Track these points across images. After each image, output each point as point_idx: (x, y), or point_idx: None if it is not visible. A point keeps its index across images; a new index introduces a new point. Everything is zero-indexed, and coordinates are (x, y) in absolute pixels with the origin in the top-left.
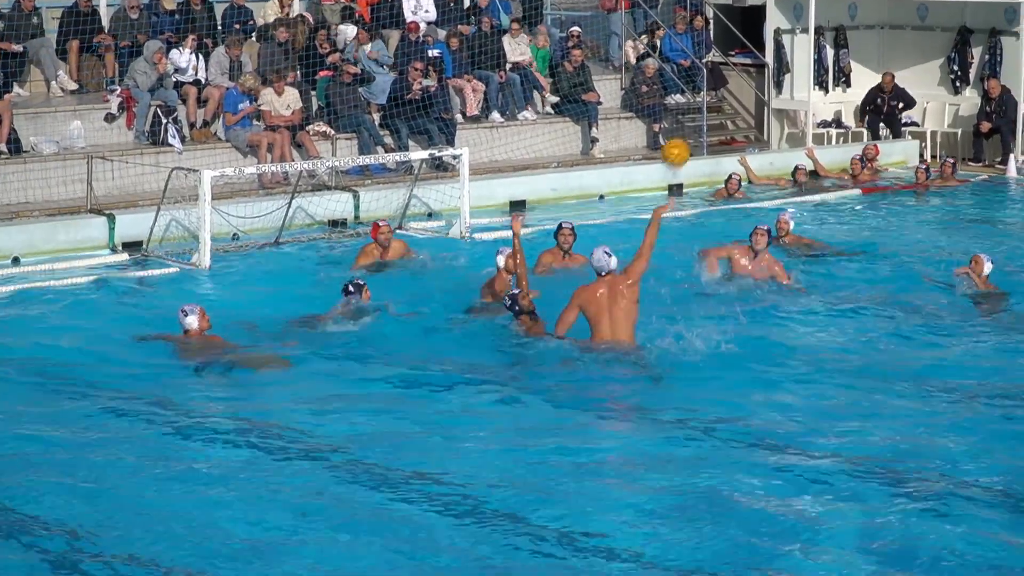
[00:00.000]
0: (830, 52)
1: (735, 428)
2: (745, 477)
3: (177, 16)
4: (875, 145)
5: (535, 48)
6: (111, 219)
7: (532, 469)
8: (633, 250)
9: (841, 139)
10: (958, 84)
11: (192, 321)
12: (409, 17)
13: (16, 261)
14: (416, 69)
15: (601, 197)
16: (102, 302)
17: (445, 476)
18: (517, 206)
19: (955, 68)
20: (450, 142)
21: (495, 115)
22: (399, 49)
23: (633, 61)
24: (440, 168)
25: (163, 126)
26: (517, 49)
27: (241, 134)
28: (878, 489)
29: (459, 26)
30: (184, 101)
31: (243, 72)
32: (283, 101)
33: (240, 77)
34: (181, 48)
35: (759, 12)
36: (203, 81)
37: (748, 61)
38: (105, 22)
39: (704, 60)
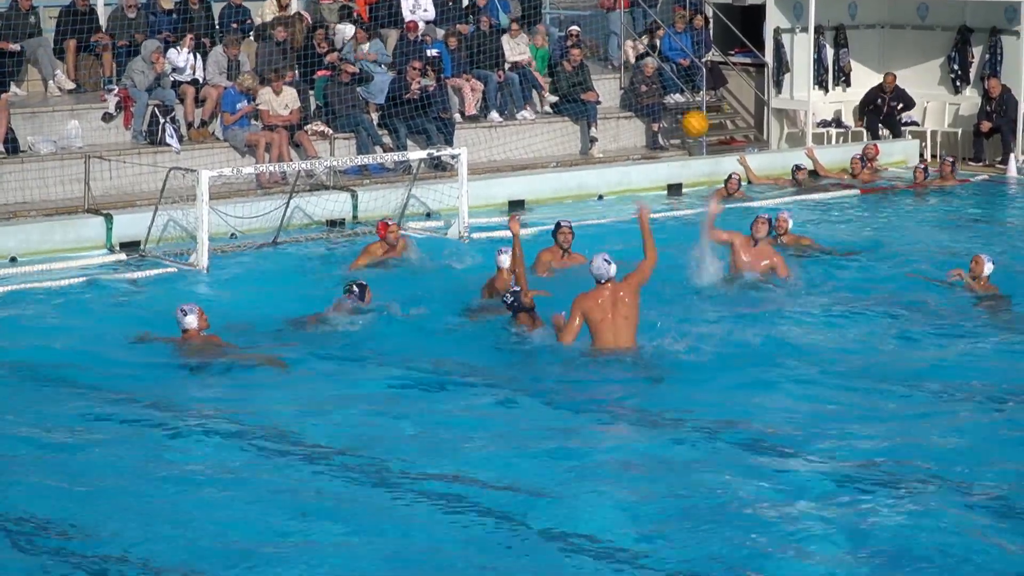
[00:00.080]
0: (830, 51)
1: (734, 429)
2: (744, 479)
3: (175, 15)
4: (875, 145)
5: (534, 48)
6: (108, 219)
7: (532, 470)
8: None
9: (841, 139)
10: (958, 83)
11: (192, 321)
12: (407, 16)
13: (13, 261)
14: (415, 68)
15: (600, 197)
16: (100, 302)
17: (445, 476)
18: (516, 206)
19: (955, 67)
20: (448, 142)
21: (494, 115)
22: (397, 48)
23: (632, 60)
24: (439, 168)
25: (161, 126)
26: (516, 49)
27: (239, 134)
28: (875, 491)
29: (458, 25)
30: (182, 101)
31: (241, 71)
32: (281, 101)
33: (238, 77)
34: (179, 47)
35: (759, 11)
36: (201, 80)
37: (748, 60)
38: (103, 21)
39: (703, 59)
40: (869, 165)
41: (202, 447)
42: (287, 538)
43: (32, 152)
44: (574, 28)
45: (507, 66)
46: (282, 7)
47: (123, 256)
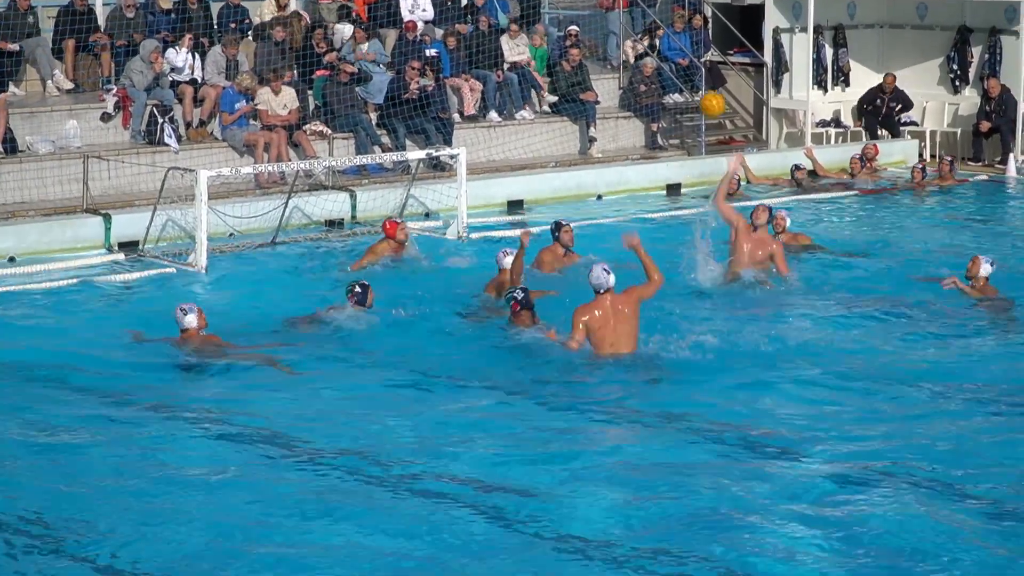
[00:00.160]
0: (829, 51)
1: (733, 430)
2: (742, 480)
3: (173, 15)
4: (875, 145)
5: (532, 48)
6: (107, 219)
7: (531, 470)
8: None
9: (840, 139)
10: (957, 83)
11: (192, 320)
12: (406, 16)
13: (12, 261)
14: (413, 68)
15: (599, 197)
16: (98, 302)
17: (444, 477)
18: (515, 206)
19: (955, 67)
20: (447, 142)
21: (492, 114)
22: (396, 48)
23: (631, 60)
24: (437, 168)
25: (159, 125)
26: (515, 49)
27: (238, 134)
28: (874, 492)
29: (456, 25)
30: (180, 100)
31: (240, 71)
32: (280, 100)
33: (237, 76)
34: (177, 47)
35: (758, 11)
36: (199, 80)
37: (747, 60)
38: (101, 21)
39: (702, 59)
40: (868, 165)
41: (201, 447)
42: (286, 539)
43: (30, 152)
44: (573, 28)
45: (506, 66)
46: (281, 7)
47: (121, 256)
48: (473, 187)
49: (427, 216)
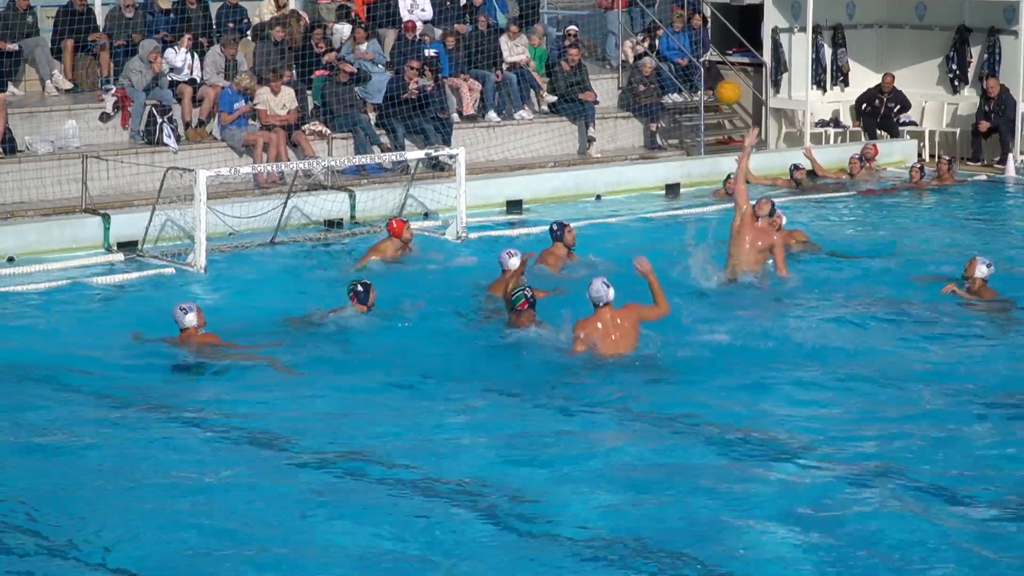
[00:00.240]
0: (828, 51)
1: (731, 430)
2: (741, 481)
3: (172, 15)
4: (874, 145)
5: (532, 48)
6: (106, 219)
7: (530, 470)
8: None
9: (839, 138)
10: (957, 83)
11: (192, 319)
12: (405, 16)
13: (11, 261)
14: (412, 68)
15: (598, 197)
16: (97, 302)
17: (443, 478)
18: (514, 206)
19: (954, 67)
20: (446, 142)
21: (491, 114)
22: (395, 48)
23: (630, 60)
24: (436, 168)
25: (158, 125)
26: (515, 50)
27: (237, 133)
28: (871, 493)
29: (455, 25)
30: (179, 100)
31: (239, 71)
32: (279, 100)
33: (235, 76)
34: (176, 47)
35: (757, 11)
36: (198, 80)
37: (746, 60)
38: (100, 21)
39: (701, 59)
40: (868, 165)
41: (199, 447)
42: (284, 539)
43: (30, 152)
44: (572, 28)
45: (505, 66)
46: (279, 6)
47: (120, 256)
48: (472, 187)
49: (426, 216)
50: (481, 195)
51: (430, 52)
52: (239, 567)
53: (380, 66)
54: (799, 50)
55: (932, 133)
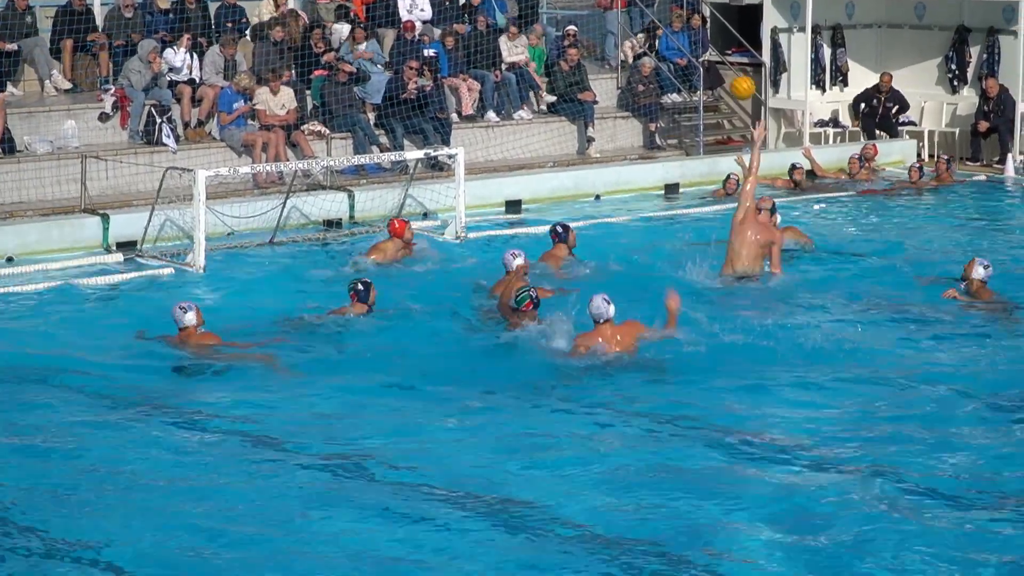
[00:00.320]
0: (827, 51)
1: (729, 431)
2: (738, 484)
3: (171, 15)
4: (874, 145)
5: (530, 48)
6: (105, 219)
7: (529, 471)
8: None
9: (838, 139)
10: (956, 83)
11: (191, 317)
12: (404, 16)
13: (10, 261)
14: (412, 68)
15: (597, 197)
16: (96, 302)
17: (443, 478)
18: (513, 206)
19: (953, 67)
20: (445, 142)
21: (491, 114)
22: (395, 48)
23: (629, 60)
24: (436, 168)
25: (157, 125)
26: (514, 50)
27: (236, 133)
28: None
29: (454, 25)
30: (178, 100)
31: (238, 71)
32: (278, 100)
33: (235, 76)
34: (176, 47)
35: (756, 11)
36: (197, 80)
37: (745, 60)
38: (99, 21)
39: (701, 59)
40: (867, 165)
41: (198, 447)
42: (282, 540)
43: (29, 152)
44: (571, 28)
45: (504, 66)
46: (278, 6)
47: (120, 256)
48: (471, 187)
49: (425, 216)
50: (480, 195)
51: (429, 52)
52: (239, 567)
53: (379, 66)
54: (798, 50)
55: (931, 133)
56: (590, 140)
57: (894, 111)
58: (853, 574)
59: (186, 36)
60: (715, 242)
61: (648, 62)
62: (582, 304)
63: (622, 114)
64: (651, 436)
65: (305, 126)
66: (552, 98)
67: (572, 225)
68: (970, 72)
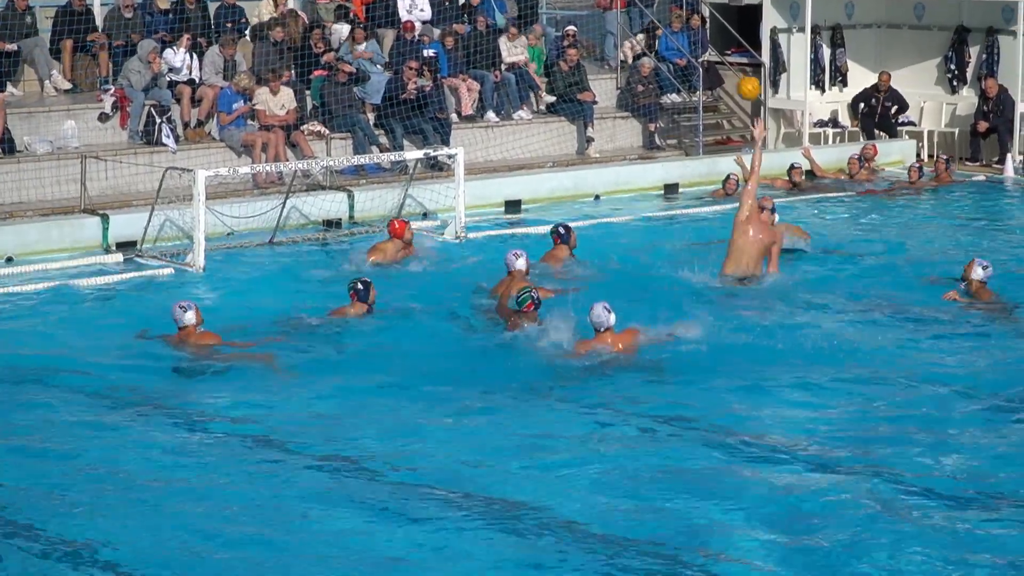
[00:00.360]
0: (827, 51)
1: (726, 434)
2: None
3: (171, 15)
4: (874, 145)
5: (530, 48)
6: (105, 219)
7: (528, 472)
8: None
9: (838, 139)
10: (955, 83)
11: (191, 317)
12: (404, 16)
13: (10, 261)
14: (411, 68)
15: (597, 197)
16: (95, 302)
17: (443, 478)
18: (512, 206)
19: (952, 67)
20: (445, 142)
21: (490, 115)
22: (394, 48)
23: (629, 60)
24: (435, 168)
25: (157, 126)
26: (514, 51)
27: (235, 134)
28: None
29: (454, 25)
30: (178, 101)
31: (237, 71)
32: (278, 101)
33: (234, 77)
34: (175, 47)
35: (755, 11)
36: (197, 80)
37: (744, 60)
38: (99, 21)
39: (700, 59)
40: (867, 165)
41: (197, 446)
42: (283, 540)
43: (28, 152)
44: (571, 28)
45: (504, 66)
46: (278, 6)
47: (119, 256)
48: (471, 187)
49: (425, 216)
50: (480, 195)
51: (429, 52)
52: (238, 567)
53: (379, 66)
54: (798, 50)
55: (931, 133)
56: (589, 140)
57: (893, 111)
58: (851, 574)
59: (186, 36)
60: (714, 242)
61: (647, 62)
62: (583, 305)
63: (621, 114)
64: (650, 436)
65: (305, 126)
66: (552, 98)
67: (572, 225)
68: (969, 72)
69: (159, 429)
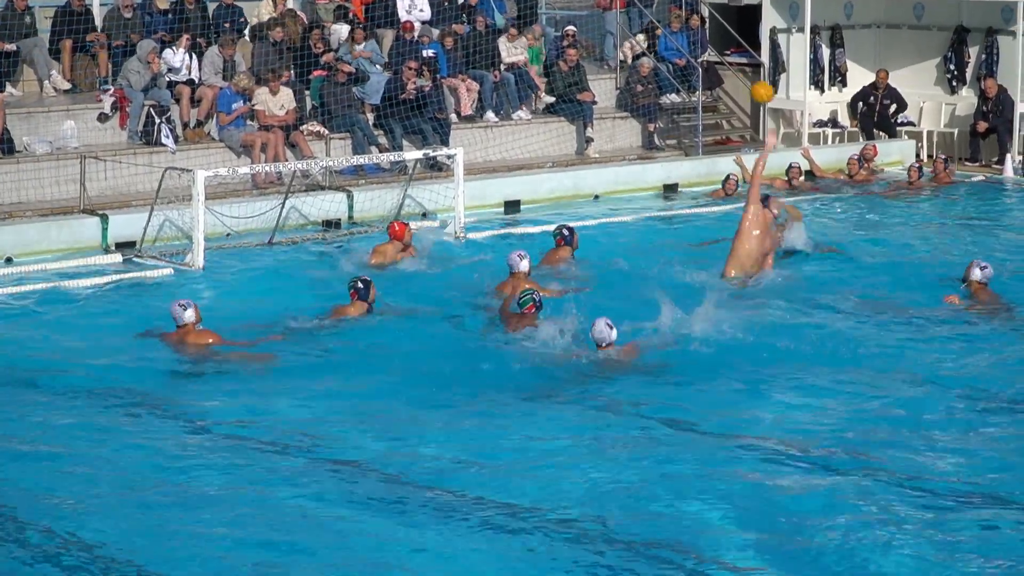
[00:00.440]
0: (826, 51)
1: (725, 434)
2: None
3: (171, 15)
4: (874, 146)
5: (530, 49)
6: (104, 219)
7: (532, 473)
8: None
9: (837, 139)
10: (954, 84)
11: (190, 315)
12: (403, 16)
13: (9, 261)
14: (410, 69)
15: (596, 197)
16: (94, 302)
17: (442, 478)
18: (512, 206)
19: (952, 67)
20: (444, 142)
21: (490, 115)
22: (393, 48)
23: (628, 60)
24: (434, 168)
25: (156, 126)
26: (513, 51)
27: (235, 134)
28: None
29: (453, 25)
30: (177, 101)
31: (237, 72)
32: (277, 101)
33: (234, 77)
34: (175, 48)
35: (755, 11)
36: (197, 81)
37: (744, 60)
38: (98, 21)
39: (699, 59)
40: (866, 166)
41: (197, 447)
42: (283, 540)
43: (28, 152)
44: (570, 28)
45: (503, 66)
46: (277, 7)
47: (119, 256)
48: (470, 187)
49: (424, 216)
50: (479, 195)
51: (428, 52)
52: (238, 567)
53: (378, 66)
54: (797, 50)
55: (930, 133)
56: (589, 140)
57: (892, 110)
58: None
59: (185, 36)
60: (714, 242)
61: (647, 62)
62: (585, 306)
63: (621, 114)
64: (649, 437)
65: (304, 126)
66: (551, 98)
67: (572, 226)
68: (969, 72)
69: (158, 428)
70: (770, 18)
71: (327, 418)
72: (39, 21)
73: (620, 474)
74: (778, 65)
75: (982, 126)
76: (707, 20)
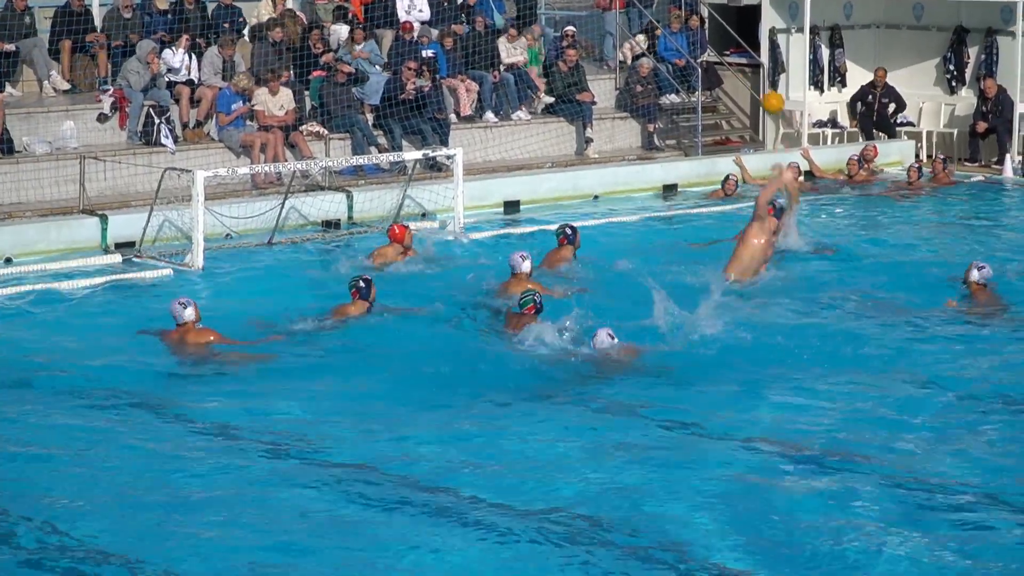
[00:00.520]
0: (825, 52)
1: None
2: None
3: (170, 16)
4: (875, 146)
5: (529, 49)
6: (104, 219)
7: (532, 473)
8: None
9: (837, 139)
10: (954, 84)
11: (190, 313)
12: (403, 16)
13: (8, 262)
14: (410, 69)
15: (595, 197)
16: (94, 302)
17: (442, 478)
18: (511, 206)
19: (951, 68)
20: (444, 142)
21: (489, 115)
22: (393, 49)
23: (628, 61)
24: (434, 168)
25: (156, 126)
26: (513, 52)
27: (234, 134)
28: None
29: (453, 26)
30: (177, 101)
31: (236, 72)
32: (276, 101)
33: (233, 77)
34: (174, 48)
35: (754, 11)
36: (196, 81)
37: (743, 61)
38: (98, 22)
39: (699, 60)
40: (866, 166)
41: (196, 447)
42: (282, 541)
43: (27, 152)
44: (570, 28)
45: (502, 66)
46: (277, 7)
47: (118, 257)
48: (470, 188)
49: (423, 217)
50: (478, 196)
51: (427, 53)
52: (237, 566)
53: (377, 67)
54: (796, 51)
55: (930, 134)
56: (588, 141)
57: (891, 109)
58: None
59: (185, 37)
60: (714, 242)
61: (646, 63)
62: (587, 306)
63: (620, 115)
64: (647, 438)
65: (303, 127)
66: (550, 99)
67: (575, 225)
68: (968, 73)
69: (157, 428)
70: (769, 18)
71: (327, 418)
72: (39, 21)
73: (617, 475)
74: (777, 65)
75: (981, 126)
76: (706, 20)
